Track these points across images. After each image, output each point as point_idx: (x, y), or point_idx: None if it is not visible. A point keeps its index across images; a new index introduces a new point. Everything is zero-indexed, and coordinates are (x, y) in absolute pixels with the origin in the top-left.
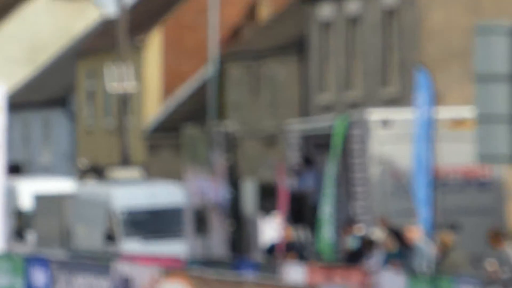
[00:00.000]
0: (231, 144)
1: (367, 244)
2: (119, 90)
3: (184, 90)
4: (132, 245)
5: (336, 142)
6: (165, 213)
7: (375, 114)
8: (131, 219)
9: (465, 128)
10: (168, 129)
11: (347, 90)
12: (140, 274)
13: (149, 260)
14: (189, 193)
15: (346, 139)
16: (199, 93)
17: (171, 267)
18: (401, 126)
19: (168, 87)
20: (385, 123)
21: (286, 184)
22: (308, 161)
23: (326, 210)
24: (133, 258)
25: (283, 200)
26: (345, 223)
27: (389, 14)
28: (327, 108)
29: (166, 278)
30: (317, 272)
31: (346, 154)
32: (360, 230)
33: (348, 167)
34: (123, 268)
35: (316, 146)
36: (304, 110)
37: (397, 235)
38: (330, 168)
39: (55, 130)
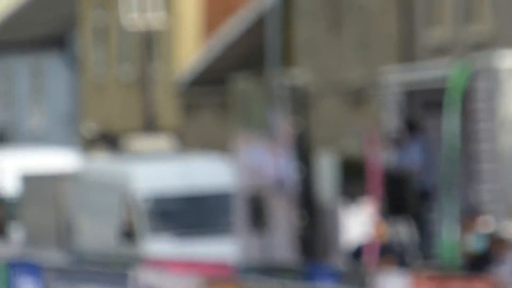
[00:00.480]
0: (300, 102)
1: (497, 245)
2: (141, 25)
3: (233, 26)
4: (160, 245)
5: (453, 99)
6: (207, 200)
7: (510, 59)
8: (159, 208)
9: None
10: (210, 82)
11: (470, 24)
12: (172, 285)
13: (184, 266)
14: (240, 172)
15: (467, 96)
16: (255, 31)
17: (216, 276)
18: None
19: (212, 22)
20: None
21: (380, 160)
22: (412, 127)
23: (445, 197)
24: (161, 264)
25: (375, 182)
26: (466, 215)
27: None
28: (440, 51)
29: None
30: (425, 285)
31: (466, 117)
32: (487, 225)
33: (470, 136)
34: (147, 277)
35: (423, 106)
36: (407, 54)
37: None
38: (447, 136)
39: (50, 82)
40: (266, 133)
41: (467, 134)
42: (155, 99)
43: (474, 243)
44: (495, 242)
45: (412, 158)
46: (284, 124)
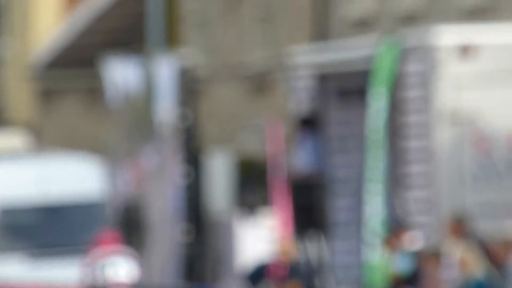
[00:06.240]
0: (189, 90)
1: (426, 264)
2: None
3: None
4: (9, 268)
5: (378, 85)
6: (70, 212)
7: (448, 36)
8: (9, 222)
9: None
10: (75, 63)
11: None
12: None
13: None
14: (113, 177)
15: (396, 81)
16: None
17: None
18: (494, 57)
19: None
20: (465, 51)
21: (285, 161)
22: (307, 122)
23: (372, 207)
24: None
25: (280, 188)
26: (390, 229)
27: None
28: (362, 25)
29: None
30: None
31: (394, 107)
32: (415, 241)
33: (398, 130)
34: None
35: (341, 93)
36: (321, 29)
37: (482, 249)
38: (370, 131)
39: None
40: (145, 128)
41: (395, 127)
42: (4, 84)
43: (398, 264)
44: (424, 261)
45: (305, 160)
46: (168, 118)
